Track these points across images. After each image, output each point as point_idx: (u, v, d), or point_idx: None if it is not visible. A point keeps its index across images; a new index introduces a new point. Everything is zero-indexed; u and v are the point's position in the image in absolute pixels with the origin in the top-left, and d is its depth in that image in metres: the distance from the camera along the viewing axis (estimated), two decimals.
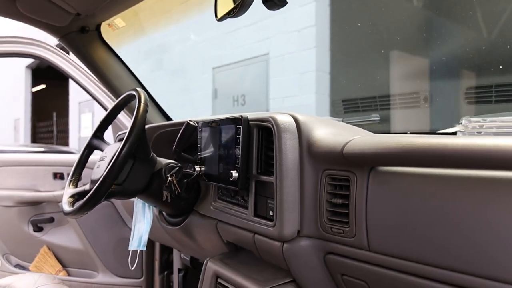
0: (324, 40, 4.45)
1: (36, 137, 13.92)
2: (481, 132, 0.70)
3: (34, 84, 13.23)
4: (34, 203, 2.13)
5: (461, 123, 0.79)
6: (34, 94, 13.49)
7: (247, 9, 0.94)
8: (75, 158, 2.27)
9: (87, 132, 10.13)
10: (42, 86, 13.54)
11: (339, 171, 0.78)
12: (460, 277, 0.62)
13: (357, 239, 0.75)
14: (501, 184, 0.57)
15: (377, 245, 0.72)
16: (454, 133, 1.04)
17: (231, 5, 0.96)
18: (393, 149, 0.67)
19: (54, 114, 13.11)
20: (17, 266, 2.22)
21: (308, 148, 0.83)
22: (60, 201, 2.04)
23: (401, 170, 0.69)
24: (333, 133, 0.84)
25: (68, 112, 11.36)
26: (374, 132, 1.19)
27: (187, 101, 6.48)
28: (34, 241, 2.13)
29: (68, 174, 2.15)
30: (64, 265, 2.14)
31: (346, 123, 1.39)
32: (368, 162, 0.73)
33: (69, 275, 2.12)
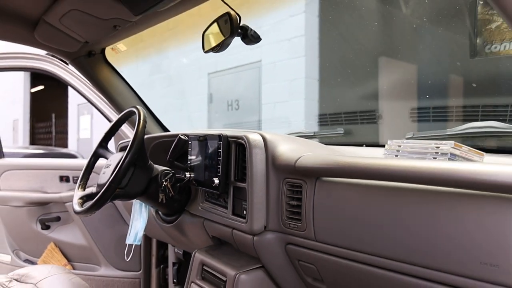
0: (313, 49, 4.69)
1: (34, 138, 14.06)
2: (399, 151, 0.92)
3: (33, 85, 13.39)
4: (42, 204, 2.31)
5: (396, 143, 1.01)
6: (32, 95, 13.64)
7: (226, 48, 1.16)
8: (79, 162, 2.49)
9: (86, 134, 10.31)
10: (41, 87, 13.70)
11: (294, 179, 1.01)
12: (382, 261, 0.84)
13: (307, 232, 0.97)
14: (402, 191, 0.79)
15: (321, 236, 0.95)
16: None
17: (214, 44, 1.19)
18: (330, 165, 0.90)
19: (53, 115, 13.27)
20: (26, 260, 2.42)
21: (272, 161, 1.06)
22: (66, 202, 2.27)
23: (338, 180, 0.91)
24: (291, 149, 1.06)
25: (67, 114, 11.54)
26: (338, 144, 1.42)
27: (183, 104, 6.70)
28: (42, 238, 2.32)
29: (73, 177, 2.35)
30: (69, 260, 2.33)
31: (317, 134, 1.62)
32: (313, 174, 0.95)
33: (74, 268, 2.32)
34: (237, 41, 1.22)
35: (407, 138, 1.30)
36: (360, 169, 0.83)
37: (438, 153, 0.84)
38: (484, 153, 0.90)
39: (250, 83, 5.45)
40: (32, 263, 2.39)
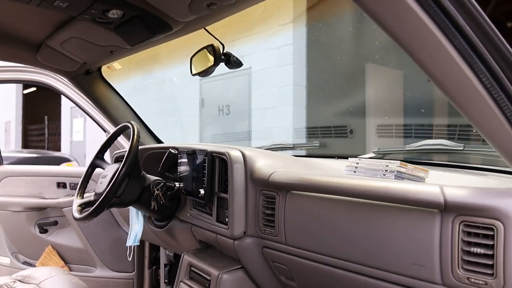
0: (300, 58, 4.86)
1: (27, 140, 14.07)
2: (357, 167, 1.08)
3: (26, 86, 13.40)
4: (40, 209, 2.41)
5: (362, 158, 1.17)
6: (25, 97, 13.66)
7: (211, 74, 1.32)
8: (76, 169, 2.62)
9: (79, 136, 10.39)
10: (33, 89, 13.71)
11: (269, 191, 1.16)
12: (340, 262, 0.99)
13: (279, 237, 1.13)
14: (354, 204, 0.95)
15: (291, 241, 1.10)
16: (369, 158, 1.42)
17: (201, 70, 1.34)
18: (298, 181, 1.06)
19: (46, 117, 13.30)
20: (25, 263, 2.53)
21: (250, 175, 1.21)
22: (64, 207, 2.40)
23: (304, 193, 1.07)
24: (267, 164, 1.22)
25: (60, 116, 11.60)
26: (314, 156, 1.58)
27: (176, 109, 6.84)
28: (40, 241, 2.44)
29: (70, 184, 2.47)
30: (66, 262, 2.45)
31: (296, 145, 1.78)
32: (284, 188, 1.11)
33: (70, 270, 2.45)
34: (226, 48, 1.36)
35: (374, 152, 1.46)
36: (321, 186, 0.99)
37: (387, 170, 1.00)
38: (428, 169, 1.05)
39: (240, 89, 5.62)
40: (31, 265, 2.51)
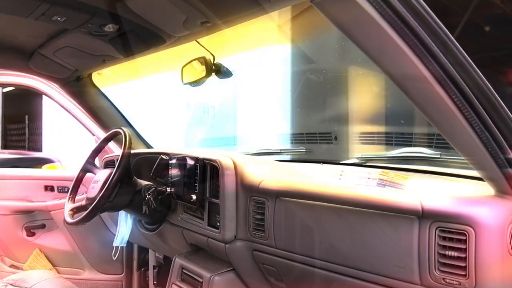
0: (286, 61, 4.93)
1: (6, 140, 13.79)
2: (342, 175, 1.15)
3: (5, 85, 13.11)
4: (27, 212, 2.40)
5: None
6: (4, 95, 13.38)
7: (201, 85, 1.37)
8: (63, 173, 2.62)
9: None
10: (13, 87, 13.41)
11: (259, 197, 1.22)
12: (325, 264, 1.06)
13: (269, 240, 1.19)
14: (338, 210, 1.02)
15: (280, 244, 1.17)
16: (352, 164, 1.50)
17: (191, 80, 1.39)
18: (286, 188, 1.12)
19: (26, 117, 13.05)
20: (12, 266, 2.52)
21: (241, 182, 1.27)
22: (51, 210, 2.40)
23: (293, 200, 1.13)
24: (257, 171, 1.28)
25: (41, 116, 11.40)
26: (300, 160, 1.64)
27: (160, 111, 6.83)
28: (27, 245, 2.43)
29: (57, 187, 2.48)
30: (54, 265, 2.45)
31: (283, 151, 1.84)
32: (273, 194, 1.17)
33: (58, 273, 2.46)
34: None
35: (357, 158, 1.53)
36: (309, 193, 1.06)
37: (369, 178, 1.07)
38: (407, 176, 1.13)
39: (226, 91, 5.65)
40: (18, 268, 2.50)
